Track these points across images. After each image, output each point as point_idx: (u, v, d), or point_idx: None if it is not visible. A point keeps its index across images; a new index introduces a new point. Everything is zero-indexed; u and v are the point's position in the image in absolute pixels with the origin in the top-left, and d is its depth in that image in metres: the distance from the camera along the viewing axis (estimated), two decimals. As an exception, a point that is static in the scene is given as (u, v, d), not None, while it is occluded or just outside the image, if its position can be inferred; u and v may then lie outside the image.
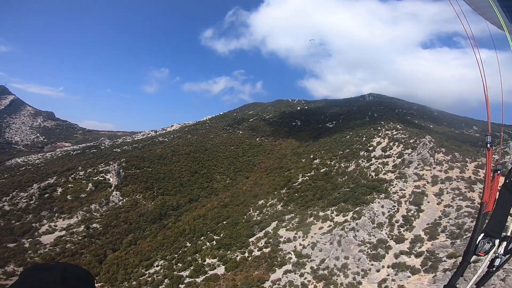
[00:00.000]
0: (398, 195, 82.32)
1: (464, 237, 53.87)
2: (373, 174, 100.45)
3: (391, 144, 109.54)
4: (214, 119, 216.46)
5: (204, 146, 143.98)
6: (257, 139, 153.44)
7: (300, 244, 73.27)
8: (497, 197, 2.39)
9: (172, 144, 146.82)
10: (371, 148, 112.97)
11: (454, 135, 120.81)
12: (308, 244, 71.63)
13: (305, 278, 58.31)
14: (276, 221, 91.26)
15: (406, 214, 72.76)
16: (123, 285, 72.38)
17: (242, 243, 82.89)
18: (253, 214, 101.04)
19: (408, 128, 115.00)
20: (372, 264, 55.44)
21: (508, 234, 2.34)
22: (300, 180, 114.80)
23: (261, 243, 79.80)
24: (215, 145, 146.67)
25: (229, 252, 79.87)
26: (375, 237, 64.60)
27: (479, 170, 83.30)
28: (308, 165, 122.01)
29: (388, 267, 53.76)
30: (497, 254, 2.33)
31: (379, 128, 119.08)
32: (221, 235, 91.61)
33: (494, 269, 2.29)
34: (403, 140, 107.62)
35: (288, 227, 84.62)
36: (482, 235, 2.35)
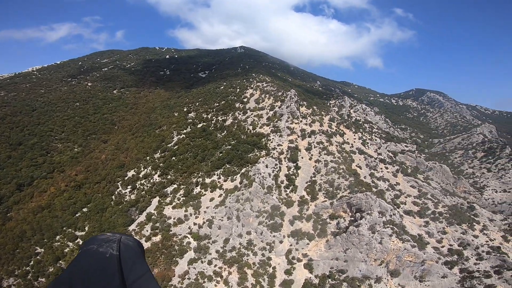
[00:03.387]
0: (277, 151, 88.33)
1: (338, 196, 65.28)
2: (250, 128, 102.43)
3: (263, 96, 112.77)
4: (46, 69, 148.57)
5: (30, 106, 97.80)
6: (115, 92, 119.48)
7: (195, 224, 68.26)
8: None
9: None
10: (245, 100, 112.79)
11: (307, 88, 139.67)
12: (204, 223, 67.77)
13: (215, 265, 55.89)
14: (157, 197, 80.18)
15: (288, 172, 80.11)
16: None
17: (122, 235, 68.42)
18: (124, 192, 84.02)
19: (275, 81, 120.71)
20: (274, 236, 59.13)
21: None
22: (175, 139, 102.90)
23: (147, 231, 68.81)
24: (48, 103, 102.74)
25: (107, 252, 64.50)
26: (269, 203, 68.25)
27: (332, 123, 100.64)
28: (183, 120, 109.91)
29: (288, 236, 59.09)
30: None
31: (251, 79, 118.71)
32: (86, 229, 72.17)
33: None
34: (272, 93, 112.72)
35: (174, 204, 76.16)
36: None
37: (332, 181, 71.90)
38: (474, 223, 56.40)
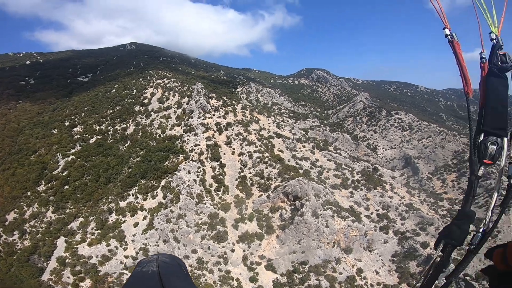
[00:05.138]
0: (196, 152, 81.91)
1: (272, 187, 65.17)
2: (159, 132, 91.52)
3: (166, 94, 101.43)
4: None
5: None
6: None
7: (127, 257, 57.52)
8: (484, 86, 1.83)
9: None
10: (146, 101, 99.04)
11: (212, 79, 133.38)
12: (138, 253, 57.83)
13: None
14: (62, 237, 63.57)
15: (214, 173, 75.26)
16: None
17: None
18: (11, 239, 63.61)
19: (177, 76, 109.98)
20: (223, 247, 54.72)
21: None
22: (62, 163, 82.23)
23: (68, 277, 54.67)
24: None
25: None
26: (204, 213, 62.72)
27: (245, 111, 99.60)
28: (67, 138, 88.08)
29: (237, 242, 55.67)
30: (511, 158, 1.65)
31: (149, 77, 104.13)
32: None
33: None
34: (177, 89, 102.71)
35: (89, 240, 62.46)
36: (482, 135, 1.74)
37: (261, 172, 71.43)
38: (384, 184, 66.80)
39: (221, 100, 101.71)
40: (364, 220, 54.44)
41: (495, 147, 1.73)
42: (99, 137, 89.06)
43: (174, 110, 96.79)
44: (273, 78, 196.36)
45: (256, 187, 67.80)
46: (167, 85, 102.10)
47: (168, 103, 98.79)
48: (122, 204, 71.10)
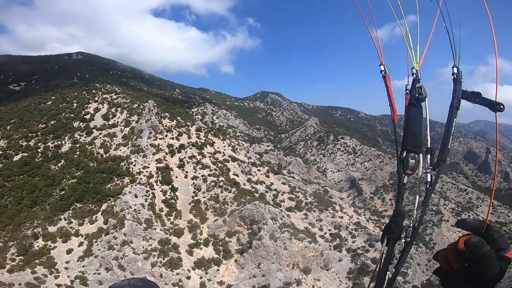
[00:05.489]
0: (144, 175, 76.34)
1: (228, 211, 63.08)
2: (101, 151, 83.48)
3: (113, 110, 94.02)
4: None
5: None
6: None
7: (60, 285, 49.17)
8: (406, 114, 2.38)
9: None
10: (88, 117, 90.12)
11: (166, 97, 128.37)
12: (74, 281, 49.92)
13: None
14: None
15: (164, 197, 70.43)
16: None
17: None
18: None
19: (128, 91, 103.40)
20: (177, 274, 50.08)
21: (428, 145, 2.28)
22: (-26, 184, 68.41)
23: None
24: None
25: None
26: (154, 239, 57.45)
27: (200, 133, 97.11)
28: (-17, 155, 74.30)
29: (193, 268, 51.69)
30: (426, 170, 2.24)
31: (94, 91, 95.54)
32: None
33: (429, 186, 2.17)
34: (126, 106, 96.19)
35: (8, 267, 52.44)
36: (404, 153, 2.31)
37: (216, 196, 69.11)
38: (334, 205, 70.16)
39: (175, 121, 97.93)
40: (319, 240, 55.78)
41: (414, 161, 2.25)
42: (26, 154, 77.31)
43: (121, 129, 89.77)
44: (229, 100, 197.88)
45: (211, 212, 64.89)
46: (115, 101, 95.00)
47: (114, 120, 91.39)
48: (52, 229, 61.48)
